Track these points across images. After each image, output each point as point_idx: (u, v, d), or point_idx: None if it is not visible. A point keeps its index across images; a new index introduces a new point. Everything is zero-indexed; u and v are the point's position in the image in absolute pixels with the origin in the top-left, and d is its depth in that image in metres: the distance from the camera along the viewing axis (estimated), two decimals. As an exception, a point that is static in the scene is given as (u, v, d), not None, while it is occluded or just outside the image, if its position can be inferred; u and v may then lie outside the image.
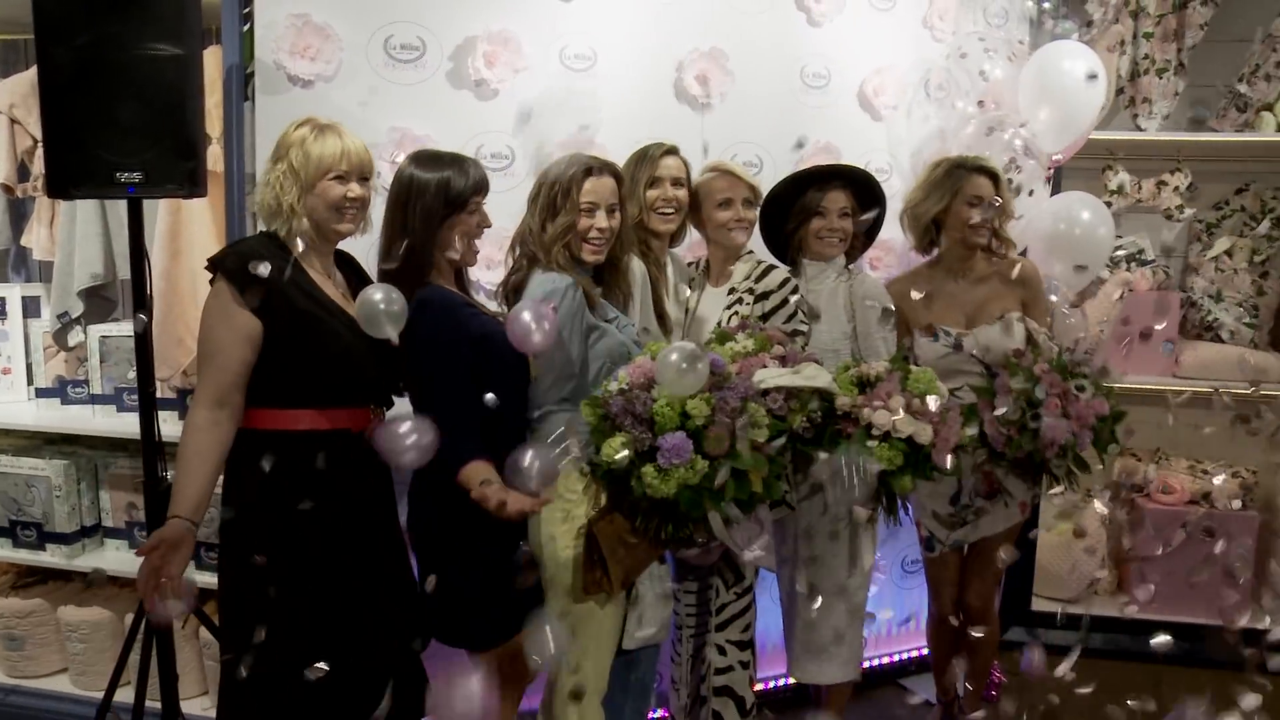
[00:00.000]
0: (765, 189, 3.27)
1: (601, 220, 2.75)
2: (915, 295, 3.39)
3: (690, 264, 3.38)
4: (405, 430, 2.21)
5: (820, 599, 3.26)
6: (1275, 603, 4.45)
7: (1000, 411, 3.08)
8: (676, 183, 3.09)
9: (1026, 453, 3.08)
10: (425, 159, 2.63)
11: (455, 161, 2.63)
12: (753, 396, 2.61)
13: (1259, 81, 4.39)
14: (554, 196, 2.74)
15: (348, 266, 2.75)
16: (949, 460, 2.88)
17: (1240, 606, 4.46)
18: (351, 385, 2.57)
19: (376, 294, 2.34)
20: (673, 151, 3.13)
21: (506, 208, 3.21)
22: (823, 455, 2.84)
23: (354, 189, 2.55)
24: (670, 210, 3.08)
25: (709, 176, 3.22)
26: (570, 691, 2.75)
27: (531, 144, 3.27)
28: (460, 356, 2.54)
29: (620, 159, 2.99)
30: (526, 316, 2.40)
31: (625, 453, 2.50)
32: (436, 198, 2.57)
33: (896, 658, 4.21)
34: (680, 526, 2.60)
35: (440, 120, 3.17)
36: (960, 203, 3.33)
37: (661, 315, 3.07)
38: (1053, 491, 3.29)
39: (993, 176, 3.33)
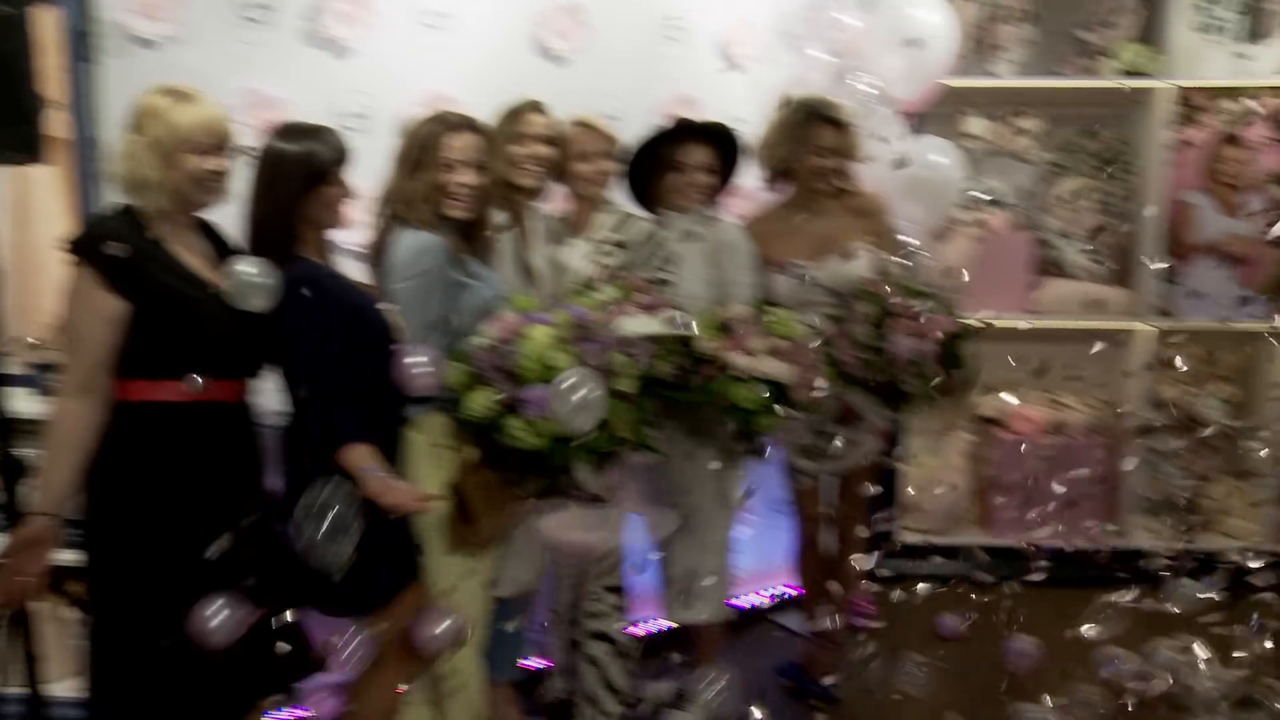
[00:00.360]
0: (626, 141, 3.31)
1: (465, 176, 2.77)
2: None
3: (553, 216, 3.40)
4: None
5: (689, 541, 3.35)
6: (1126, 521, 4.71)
7: (852, 334, 3.20)
8: (544, 140, 3.11)
9: (880, 372, 3.19)
10: (287, 131, 2.60)
11: (316, 133, 2.60)
12: (616, 346, 2.67)
13: (1099, 28, 4.55)
14: (417, 154, 2.74)
15: (208, 233, 2.70)
16: (812, 396, 3.00)
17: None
18: (220, 358, 2.52)
19: (245, 266, 2.32)
20: (539, 109, 3.14)
21: (363, 170, 3.21)
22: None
23: (216, 161, 2.48)
24: (538, 168, 3.11)
25: (569, 130, 3.24)
26: None
27: (391, 103, 3.25)
28: (332, 332, 2.54)
29: (480, 116, 2.98)
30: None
31: (492, 405, 2.55)
32: (298, 171, 2.54)
33: (771, 595, 4.33)
34: (548, 477, 2.67)
35: (295, 81, 3.13)
36: (807, 153, 3.41)
37: (527, 269, 3.11)
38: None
39: (840, 125, 3.38)
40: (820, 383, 3.04)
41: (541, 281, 3.18)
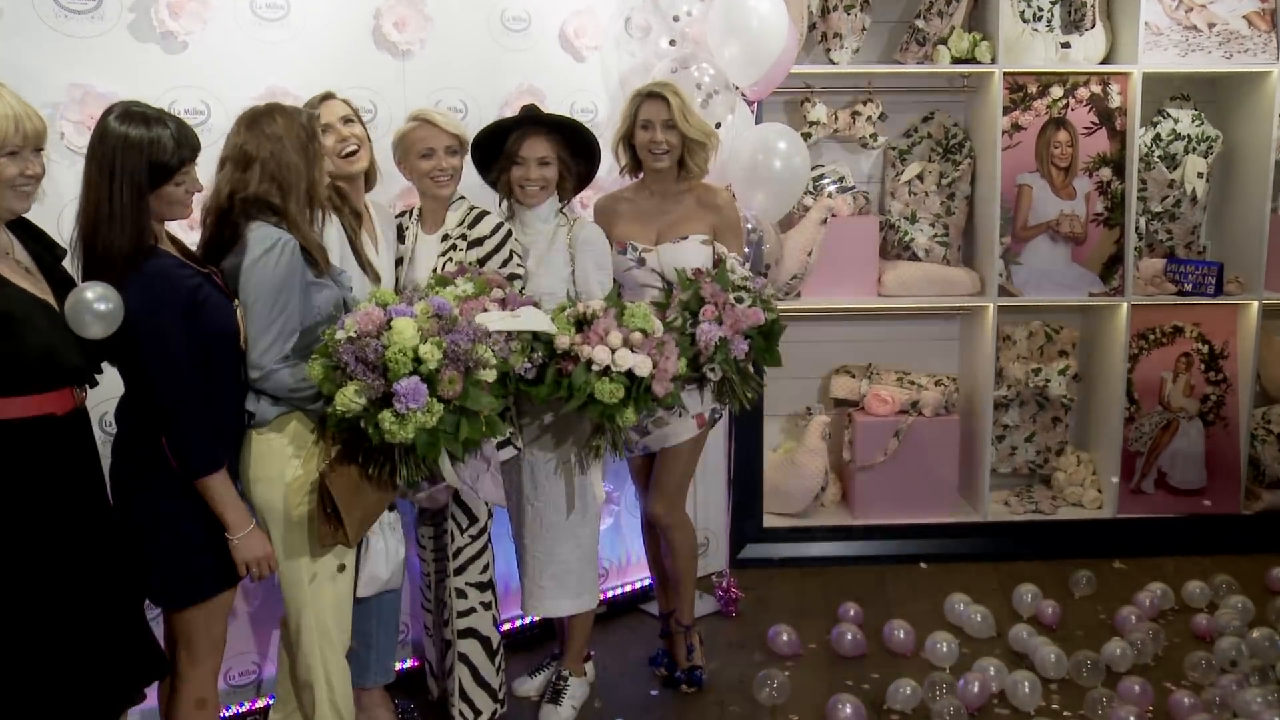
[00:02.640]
0: (471, 134, 3.28)
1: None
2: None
3: (402, 213, 3.36)
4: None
5: (553, 534, 3.34)
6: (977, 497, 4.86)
7: (667, 320, 3.23)
8: (346, 120, 3.08)
9: (687, 360, 3.21)
10: (133, 117, 2.43)
11: (162, 121, 2.45)
12: (480, 337, 2.65)
13: (934, 17, 4.69)
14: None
15: (27, 234, 2.52)
16: (666, 388, 3.02)
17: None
18: (47, 372, 2.37)
19: (88, 293, 2.23)
20: (328, 96, 3.10)
21: (204, 166, 3.11)
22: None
23: (30, 164, 2.31)
24: (352, 149, 3.06)
25: (410, 126, 3.20)
26: None
27: (226, 99, 3.16)
28: (184, 344, 2.46)
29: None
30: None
31: (360, 400, 2.50)
32: (141, 167, 2.40)
33: (639, 585, 4.34)
34: (414, 470, 2.63)
35: (126, 75, 3.01)
36: (636, 126, 3.45)
37: (364, 264, 3.05)
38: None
39: (664, 100, 3.39)
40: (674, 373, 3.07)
41: (382, 278, 3.13)
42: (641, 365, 2.96)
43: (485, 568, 3.28)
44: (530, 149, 3.25)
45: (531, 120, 3.28)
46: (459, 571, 3.24)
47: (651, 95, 3.42)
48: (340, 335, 2.57)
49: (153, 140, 2.42)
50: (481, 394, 2.65)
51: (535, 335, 2.97)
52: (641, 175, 3.56)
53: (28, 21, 2.87)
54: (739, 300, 3.27)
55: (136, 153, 2.40)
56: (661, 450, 3.53)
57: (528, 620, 3.98)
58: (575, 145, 3.34)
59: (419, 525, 3.37)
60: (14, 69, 2.82)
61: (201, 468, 2.51)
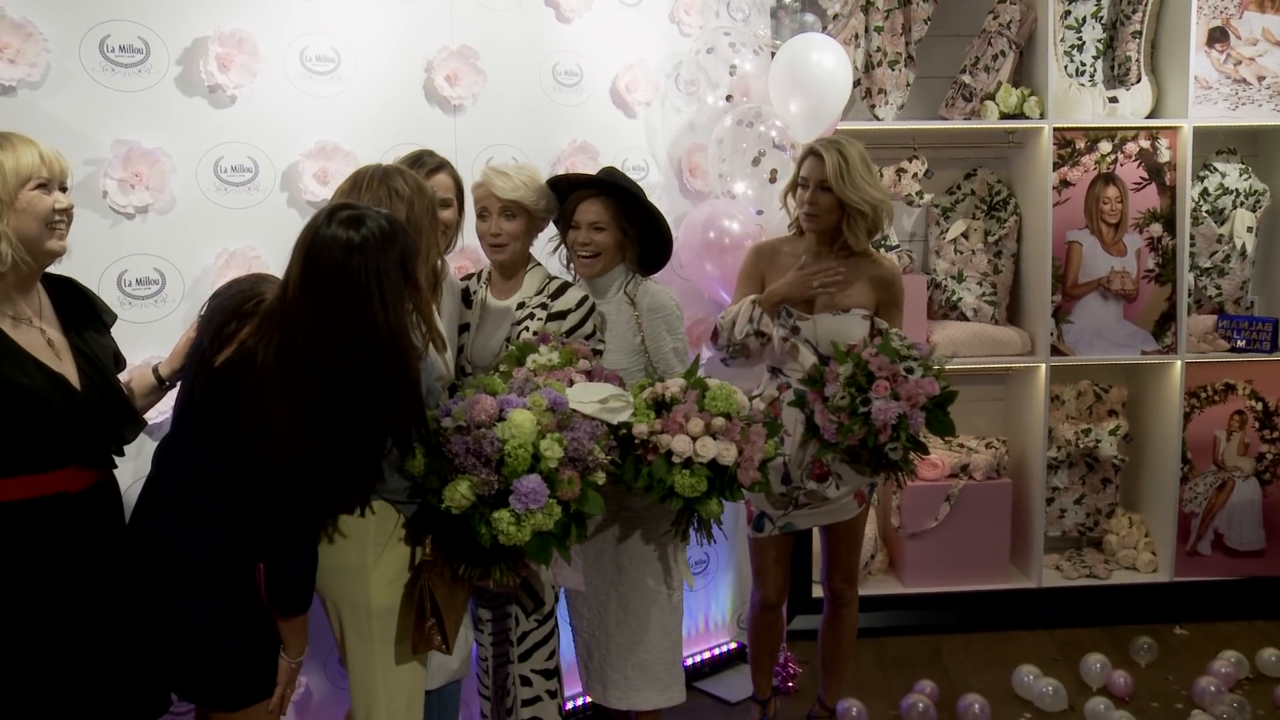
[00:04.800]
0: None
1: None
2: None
3: (469, 276, 3.18)
4: None
5: (634, 620, 3.12)
6: (1029, 562, 4.69)
7: (828, 396, 3.05)
8: (443, 203, 2.85)
9: (859, 439, 3.03)
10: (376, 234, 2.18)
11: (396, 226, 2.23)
12: (599, 436, 2.47)
13: (980, 73, 4.62)
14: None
15: (61, 291, 2.38)
16: (753, 477, 2.81)
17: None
18: (60, 448, 2.23)
19: None
20: (441, 167, 2.92)
21: (250, 225, 2.98)
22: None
23: (61, 198, 2.22)
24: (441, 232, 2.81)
25: (475, 182, 3.03)
26: None
27: (276, 154, 3.03)
28: None
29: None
30: None
31: (471, 497, 2.32)
32: (400, 279, 2.21)
33: (689, 661, 4.14)
34: (511, 571, 2.45)
35: (172, 131, 2.87)
36: (795, 184, 3.29)
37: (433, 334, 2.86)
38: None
39: (820, 159, 3.17)
40: (760, 460, 2.85)
41: (447, 345, 2.87)
42: (725, 454, 2.71)
43: (551, 654, 3.06)
44: (583, 212, 3.05)
45: (586, 182, 3.09)
46: (523, 658, 3.02)
47: (812, 152, 3.21)
48: (448, 424, 2.37)
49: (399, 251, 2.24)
50: (597, 497, 2.45)
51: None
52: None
53: (73, 75, 2.73)
54: (909, 371, 3.02)
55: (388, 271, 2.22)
56: (834, 525, 3.39)
57: (581, 701, 3.77)
58: (637, 214, 3.11)
59: (478, 607, 3.13)
60: (57, 124, 2.69)
61: (302, 607, 2.38)
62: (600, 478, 2.47)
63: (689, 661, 4.13)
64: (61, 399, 2.20)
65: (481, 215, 3.01)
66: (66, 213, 2.26)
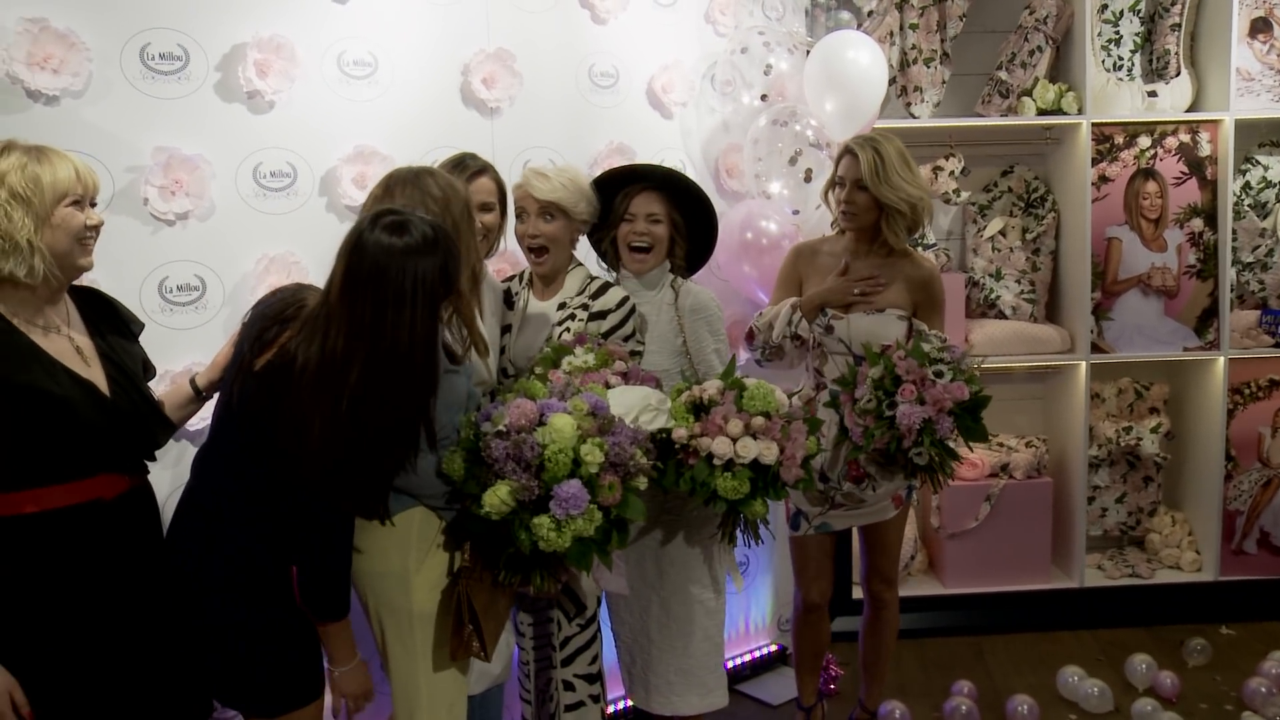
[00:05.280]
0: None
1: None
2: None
3: (510, 277, 3.17)
4: None
5: (676, 624, 3.10)
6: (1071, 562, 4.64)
7: (857, 398, 3.02)
8: (485, 207, 2.86)
9: (884, 443, 3.00)
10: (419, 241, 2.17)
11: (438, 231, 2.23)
12: (640, 441, 2.45)
13: (1016, 69, 4.58)
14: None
15: (87, 300, 2.39)
16: (797, 474, 2.78)
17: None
18: (92, 455, 2.23)
19: None
20: (483, 170, 2.91)
21: (289, 230, 2.98)
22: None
23: (92, 215, 2.24)
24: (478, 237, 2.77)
25: (514, 185, 3.02)
26: None
27: (314, 159, 3.03)
28: None
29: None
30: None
31: (511, 502, 2.28)
32: (441, 285, 2.22)
33: (730, 664, 4.12)
34: (551, 578, 2.42)
35: (211, 137, 2.87)
36: (833, 182, 3.27)
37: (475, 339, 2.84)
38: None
39: (856, 156, 3.15)
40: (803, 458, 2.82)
41: (489, 349, 2.84)
42: (766, 453, 2.69)
43: (594, 658, 3.03)
44: (641, 204, 3.05)
45: (641, 175, 3.08)
46: (566, 663, 3.00)
47: (848, 150, 3.18)
48: (488, 429, 2.34)
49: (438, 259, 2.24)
50: (638, 502, 2.41)
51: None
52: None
53: (114, 84, 2.73)
54: (938, 375, 2.95)
55: (429, 276, 2.23)
56: (871, 527, 3.37)
57: (622, 705, 3.76)
58: (689, 209, 3.11)
59: (519, 611, 3.11)
60: (99, 133, 2.70)
61: (340, 613, 2.35)
62: (642, 483, 2.44)
63: (729, 664, 4.10)
64: (92, 405, 2.20)
65: (520, 217, 2.99)
66: (96, 229, 2.27)
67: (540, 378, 2.64)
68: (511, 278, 3.16)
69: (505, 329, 3.05)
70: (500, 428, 2.33)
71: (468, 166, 2.87)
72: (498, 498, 2.27)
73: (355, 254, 2.15)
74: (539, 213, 2.95)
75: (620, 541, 2.42)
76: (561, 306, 3.00)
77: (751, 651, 4.27)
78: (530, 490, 2.27)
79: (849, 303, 3.22)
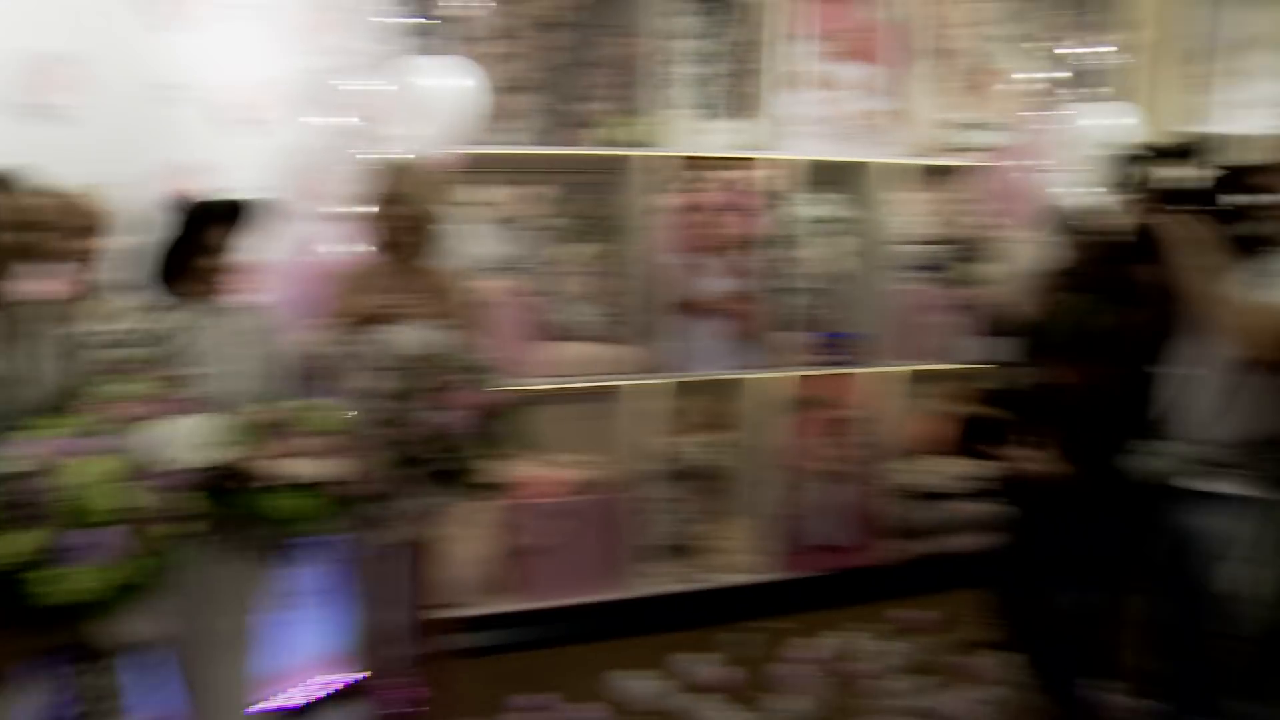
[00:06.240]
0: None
1: None
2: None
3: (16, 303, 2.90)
4: None
5: (222, 655, 3.03)
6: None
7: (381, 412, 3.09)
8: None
9: (405, 454, 3.08)
10: None
11: None
12: (184, 483, 2.35)
13: (592, 100, 4.84)
14: None
15: None
16: (355, 491, 2.83)
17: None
18: None
19: None
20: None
21: None
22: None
23: None
24: None
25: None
26: None
27: None
28: None
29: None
30: None
31: (32, 553, 2.08)
32: None
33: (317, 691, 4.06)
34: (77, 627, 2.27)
35: None
36: (372, 201, 3.38)
37: None
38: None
39: (386, 177, 3.34)
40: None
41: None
42: (325, 472, 2.74)
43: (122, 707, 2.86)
44: (214, 236, 3.00)
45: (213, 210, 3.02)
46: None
47: (381, 173, 3.35)
48: (7, 468, 2.16)
49: None
50: (179, 546, 2.35)
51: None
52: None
53: None
54: (450, 386, 3.10)
55: None
56: (419, 545, 3.42)
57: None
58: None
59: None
60: None
61: None
62: (187, 528, 2.36)
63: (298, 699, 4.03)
64: None
65: (62, 235, 2.73)
66: None
67: (73, 412, 2.44)
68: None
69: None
70: (21, 470, 2.15)
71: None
72: (23, 544, 2.09)
73: None
74: (77, 230, 2.75)
75: (155, 587, 2.31)
76: (95, 330, 2.80)
77: (320, 683, 4.15)
78: (56, 537, 2.11)
79: (388, 317, 3.30)
